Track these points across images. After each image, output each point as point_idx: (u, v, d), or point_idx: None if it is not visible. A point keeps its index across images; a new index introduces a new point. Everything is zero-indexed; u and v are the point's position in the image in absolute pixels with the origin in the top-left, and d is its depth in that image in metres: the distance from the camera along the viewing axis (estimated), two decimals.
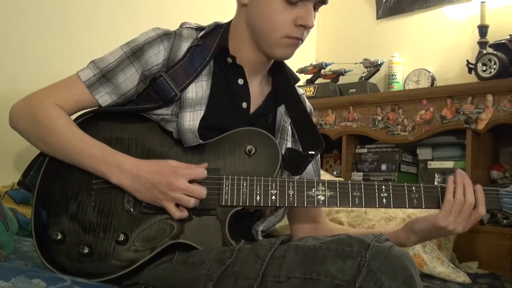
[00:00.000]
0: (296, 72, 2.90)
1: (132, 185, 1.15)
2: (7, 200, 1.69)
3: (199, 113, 1.22)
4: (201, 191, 1.15)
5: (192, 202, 1.14)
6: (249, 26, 1.25)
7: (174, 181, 1.13)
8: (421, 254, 1.76)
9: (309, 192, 1.19)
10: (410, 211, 1.88)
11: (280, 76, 1.35)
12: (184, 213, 1.15)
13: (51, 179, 1.22)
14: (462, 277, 1.77)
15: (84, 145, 1.18)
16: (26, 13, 2.01)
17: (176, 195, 1.13)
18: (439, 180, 2.37)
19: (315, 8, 1.23)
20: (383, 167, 2.53)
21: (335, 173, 2.73)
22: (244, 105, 1.29)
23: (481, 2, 2.45)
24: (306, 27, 1.21)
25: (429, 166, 2.43)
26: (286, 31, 1.21)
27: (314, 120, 1.41)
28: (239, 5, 1.28)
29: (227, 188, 1.17)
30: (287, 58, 1.29)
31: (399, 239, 1.28)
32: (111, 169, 1.16)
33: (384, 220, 1.85)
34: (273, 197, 1.18)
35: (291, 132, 1.36)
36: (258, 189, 1.18)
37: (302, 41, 1.25)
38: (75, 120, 1.26)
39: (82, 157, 1.18)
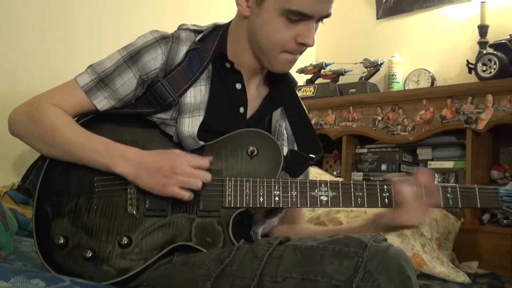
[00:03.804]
0: (296, 72, 2.91)
1: (135, 171, 1.14)
2: (7, 200, 1.70)
3: (198, 119, 1.22)
4: (205, 173, 1.14)
5: (199, 184, 1.12)
6: (249, 37, 1.24)
7: (178, 164, 1.12)
8: (420, 254, 1.76)
9: (312, 193, 1.18)
10: None
11: (279, 79, 1.34)
12: (191, 194, 1.13)
13: (51, 182, 1.21)
14: (462, 277, 1.77)
15: (85, 139, 1.18)
16: (26, 13, 2.02)
17: (180, 178, 1.12)
18: (439, 180, 2.37)
19: (319, 21, 1.22)
20: (383, 167, 2.53)
21: (335, 173, 2.73)
22: (241, 110, 1.28)
23: (481, 2, 2.45)
24: (306, 46, 1.21)
25: (429, 166, 2.43)
26: (286, 48, 1.20)
27: (313, 120, 1.40)
28: (240, 15, 1.26)
29: (230, 190, 1.17)
30: (286, 72, 1.30)
31: (367, 232, 1.26)
32: (114, 160, 1.15)
33: None
34: (276, 198, 1.18)
35: (286, 136, 1.36)
36: (261, 190, 1.17)
37: (300, 54, 1.25)
38: (76, 121, 1.26)
39: (83, 151, 1.17)
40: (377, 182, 1.21)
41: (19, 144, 1.27)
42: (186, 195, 1.13)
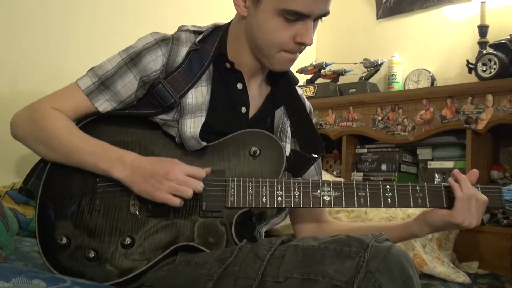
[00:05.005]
0: (296, 72, 2.91)
1: (132, 176, 1.14)
2: (7, 200, 1.69)
3: (200, 120, 1.22)
4: (199, 183, 1.14)
5: (190, 192, 1.12)
6: (247, 37, 1.25)
7: (171, 171, 1.12)
8: (421, 254, 1.76)
9: (315, 193, 1.19)
10: (410, 210, 1.88)
11: (280, 78, 1.34)
12: (182, 202, 1.13)
13: (54, 184, 1.21)
14: (462, 277, 1.77)
15: (84, 143, 1.18)
16: (26, 13, 2.02)
17: (172, 184, 1.12)
18: (439, 180, 2.37)
19: (318, 19, 1.21)
20: (383, 167, 2.53)
21: (335, 173, 2.73)
22: (243, 109, 1.29)
23: (481, 2, 2.45)
24: (305, 45, 1.21)
25: (429, 166, 2.43)
26: (284, 48, 1.20)
27: (314, 120, 1.41)
28: (238, 15, 1.26)
29: (232, 190, 1.18)
30: (285, 70, 1.30)
31: (411, 230, 1.29)
32: (112, 164, 1.15)
33: (384, 220, 1.85)
34: (279, 198, 1.18)
35: (290, 134, 1.36)
36: (264, 190, 1.18)
37: (300, 53, 1.25)
38: (77, 123, 1.26)
39: (82, 154, 1.17)
40: (380, 182, 1.22)
41: (19, 144, 1.28)
42: (176, 202, 1.12)
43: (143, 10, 2.40)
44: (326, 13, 1.20)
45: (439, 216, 1.23)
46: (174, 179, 1.12)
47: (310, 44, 1.20)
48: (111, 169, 1.15)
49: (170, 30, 1.32)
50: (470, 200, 1.19)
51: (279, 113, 1.35)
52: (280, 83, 1.34)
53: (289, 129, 1.35)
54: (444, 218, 1.22)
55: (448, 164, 2.36)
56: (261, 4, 1.17)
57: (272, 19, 1.17)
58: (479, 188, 1.24)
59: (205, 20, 1.39)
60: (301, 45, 1.21)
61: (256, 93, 1.32)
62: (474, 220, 1.21)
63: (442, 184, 1.25)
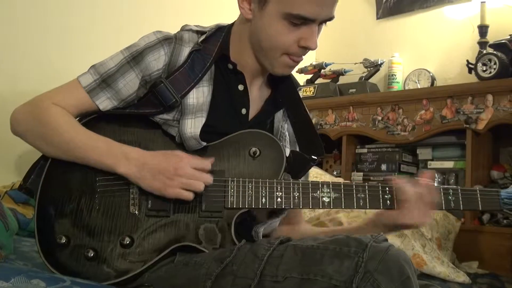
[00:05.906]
0: (296, 72, 2.91)
1: (139, 172, 1.14)
2: (7, 200, 1.69)
3: (201, 120, 1.22)
4: (208, 176, 1.14)
5: (202, 186, 1.13)
6: (251, 39, 1.24)
7: (181, 166, 1.12)
8: (421, 254, 1.76)
9: (314, 194, 1.19)
10: None
11: (281, 81, 1.34)
12: (193, 196, 1.14)
13: (53, 182, 1.21)
14: (462, 277, 1.77)
15: (88, 139, 1.18)
16: (26, 13, 2.02)
17: (183, 180, 1.12)
18: (439, 180, 2.37)
19: (322, 24, 1.22)
20: (383, 167, 2.53)
21: (335, 173, 2.73)
22: (244, 111, 1.28)
23: (481, 2, 2.45)
24: (309, 49, 1.21)
25: (429, 166, 2.43)
26: (288, 51, 1.20)
27: (314, 120, 1.40)
28: (243, 17, 1.26)
29: (232, 190, 1.17)
30: (286, 75, 1.29)
31: (367, 233, 1.27)
32: (117, 160, 1.15)
33: None
34: (279, 199, 1.18)
35: (288, 138, 1.36)
36: (263, 191, 1.18)
37: (304, 55, 1.25)
38: (78, 121, 1.26)
39: (85, 151, 1.17)
40: (379, 184, 1.22)
41: (19, 144, 1.27)
42: (190, 196, 1.13)
43: (143, 9, 2.40)
44: (331, 18, 1.20)
45: (387, 217, 1.22)
46: (183, 174, 1.12)
47: (314, 48, 1.20)
48: (116, 165, 1.15)
49: (170, 30, 1.32)
50: (416, 202, 1.17)
51: (278, 116, 1.35)
52: (281, 86, 1.34)
53: (287, 132, 1.35)
54: (393, 219, 1.21)
55: (448, 164, 2.37)
56: (267, 8, 1.17)
57: (277, 23, 1.17)
58: (478, 191, 1.24)
59: (206, 19, 1.39)
60: (304, 49, 1.21)
61: (257, 95, 1.32)
62: (423, 219, 1.19)
63: (440, 186, 1.25)
